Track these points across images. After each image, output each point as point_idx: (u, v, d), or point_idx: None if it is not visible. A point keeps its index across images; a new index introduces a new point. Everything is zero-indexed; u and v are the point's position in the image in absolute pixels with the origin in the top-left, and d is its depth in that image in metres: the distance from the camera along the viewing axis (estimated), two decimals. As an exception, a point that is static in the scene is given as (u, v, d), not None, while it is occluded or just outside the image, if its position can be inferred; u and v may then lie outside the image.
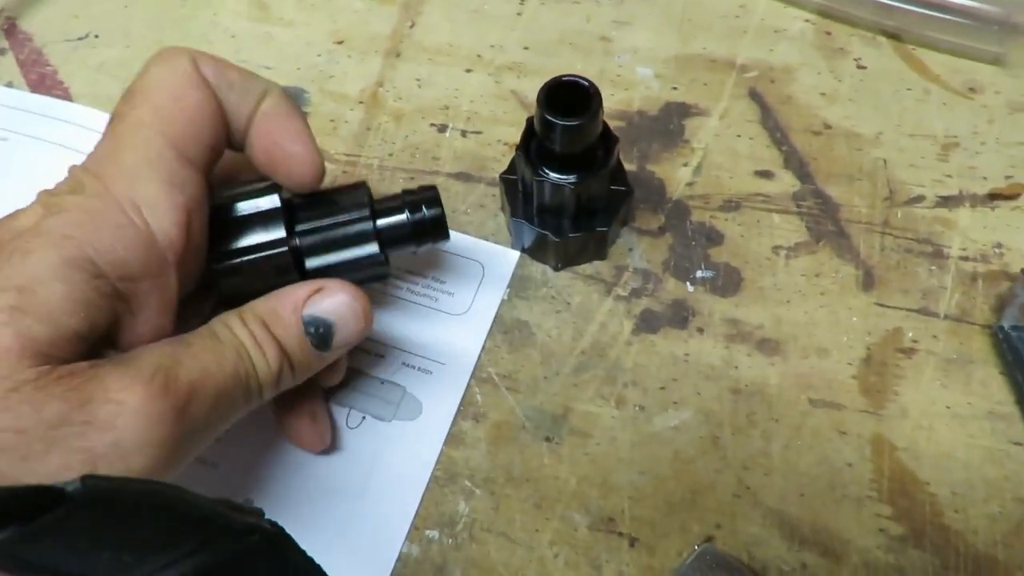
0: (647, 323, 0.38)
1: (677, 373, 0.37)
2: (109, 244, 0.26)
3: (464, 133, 0.44)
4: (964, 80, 0.44)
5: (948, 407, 0.36)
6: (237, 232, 0.30)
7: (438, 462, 0.36)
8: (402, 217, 0.32)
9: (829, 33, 0.46)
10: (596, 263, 0.40)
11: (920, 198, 0.41)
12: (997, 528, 0.33)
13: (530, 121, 0.36)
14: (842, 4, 0.46)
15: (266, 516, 0.19)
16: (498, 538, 0.34)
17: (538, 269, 0.40)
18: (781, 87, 0.44)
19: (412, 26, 0.48)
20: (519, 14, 0.48)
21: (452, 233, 0.34)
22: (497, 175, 0.41)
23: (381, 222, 0.32)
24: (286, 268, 0.31)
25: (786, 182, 0.42)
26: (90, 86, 0.47)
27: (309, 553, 0.20)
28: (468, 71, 0.46)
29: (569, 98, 0.34)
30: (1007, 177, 0.41)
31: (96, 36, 0.50)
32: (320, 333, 0.30)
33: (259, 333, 0.29)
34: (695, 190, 0.42)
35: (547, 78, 0.34)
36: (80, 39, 0.49)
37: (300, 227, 0.31)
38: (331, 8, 0.50)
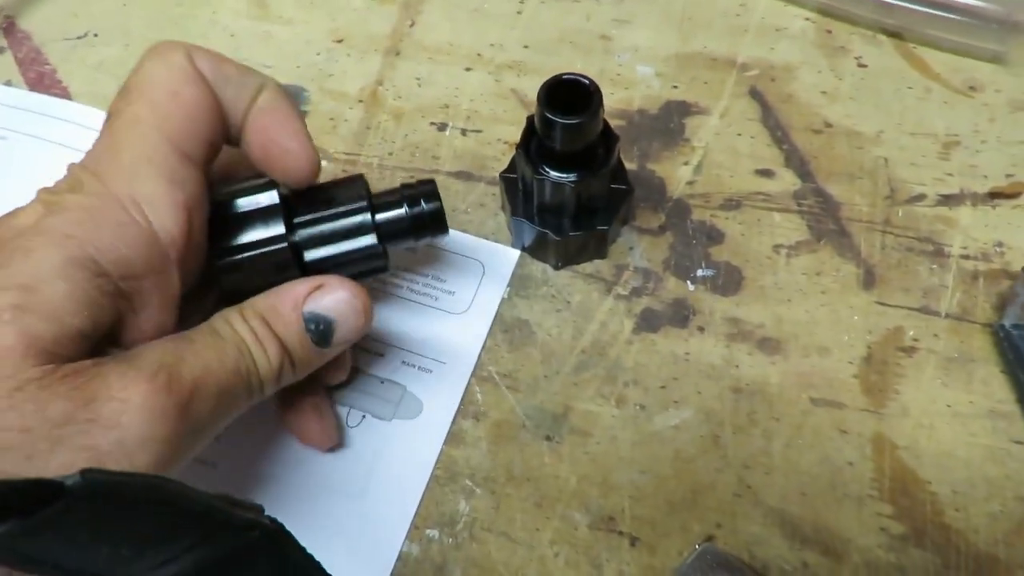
0: (648, 322, 0.38)
1: (678, 372, 0.37)
2: (111, 242, 0.25)
3: (464, 132, 0.44)
4: (965, 78, 0.44)
5: (949, 406, 0.36)
6: (237, 228, 0.30)
7: (438, 461, 0.36)
8: (401, 211, 0.32)
9: (830, 32, 0.46)
10: (596, 262, 0.40)
11: (921, 197, 0.41)
12: (998, 527, 0.33)
13: (530, 120, 0.36)
14: (843, 2, 0.46)
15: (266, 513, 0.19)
16: (498, 537, 0.34)
17: (538, 268, 0.40)
18: (782, 86, 0.44)
19: (412, 24, 0.48)
20: (519, 13, 0.48)
21: (452, 232, 0.34)
22: (497, 174, 0.40)
23: (380, 216, 0.32)
24: (286, 264, 0.31)
25: (787, 181, 0.42)
26: (89, 85, 0.47)
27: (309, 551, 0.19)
28: (468, 70, 0.46)
29: (569, 96, 0.34)
30: (1008, 176, 0.41)
31: (95, 35, 0.50)
32: (320, 330, 0.30)
33: (260, 330, 0.29)
34: (696, 189, 0.42)
35: (547, 77, 0.34)
36: (79, 38, 0.49)
37: (298, 219, 0.31)
38: (331, 6, 0.49)
